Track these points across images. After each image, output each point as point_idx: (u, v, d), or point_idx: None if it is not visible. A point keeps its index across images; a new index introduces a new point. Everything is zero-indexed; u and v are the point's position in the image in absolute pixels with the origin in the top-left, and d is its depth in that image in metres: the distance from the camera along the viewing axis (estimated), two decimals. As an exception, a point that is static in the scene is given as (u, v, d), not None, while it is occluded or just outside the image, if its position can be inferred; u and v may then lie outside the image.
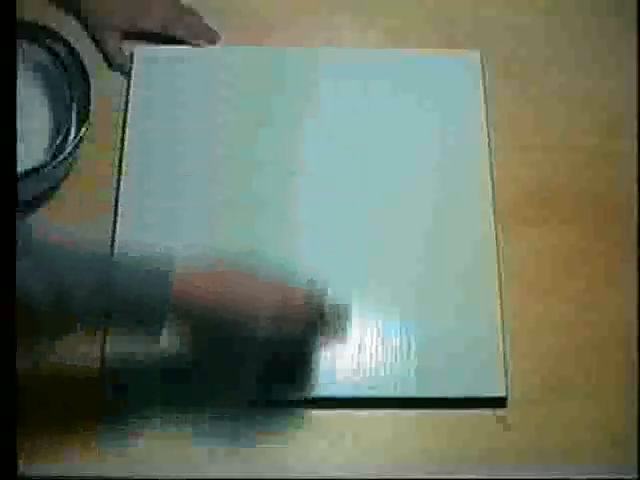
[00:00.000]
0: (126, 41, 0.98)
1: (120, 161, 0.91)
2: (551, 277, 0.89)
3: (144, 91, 0.95)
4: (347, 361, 0.84)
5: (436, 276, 0.88)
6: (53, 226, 0.71)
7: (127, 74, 0.96)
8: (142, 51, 0.97)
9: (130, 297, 0.68)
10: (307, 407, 0.83)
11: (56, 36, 0.92)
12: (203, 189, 0.91)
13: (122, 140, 0.92)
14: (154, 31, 0.98)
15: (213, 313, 0.71)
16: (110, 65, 0.97)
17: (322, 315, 0.75)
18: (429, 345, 0.85)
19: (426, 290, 0.87)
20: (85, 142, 0.89)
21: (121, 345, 0.80)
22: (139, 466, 0.80)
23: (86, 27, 0.98)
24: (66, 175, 0.91)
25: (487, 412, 0.83)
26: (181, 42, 0.98)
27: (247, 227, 0.89)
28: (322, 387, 0.83)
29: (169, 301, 0.69)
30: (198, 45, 0.98)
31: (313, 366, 0.82)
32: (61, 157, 0.86)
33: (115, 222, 0.88)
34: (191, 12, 0.99)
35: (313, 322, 0.75)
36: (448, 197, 0.91)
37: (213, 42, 0.99)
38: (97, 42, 0.97)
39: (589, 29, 1.02)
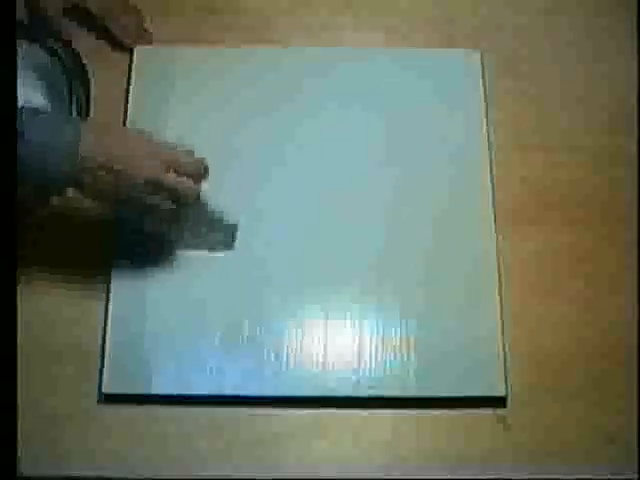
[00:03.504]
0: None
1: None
2: (551, 277, 0.89)
3: (144, 91, 0.95)
4: (347, 361, 0.84)
5: (436, 276, 0.88)
6: None
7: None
8: (142, 51, 0.98)
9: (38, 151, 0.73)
10: (307, 407, 0.83)
11: (56, 36, 0.93)
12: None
13: (122, 140, 0.93)
14: (92, 10, 0.97)
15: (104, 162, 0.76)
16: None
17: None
18: (429, 345, 0.85)
19: (426, 290, 0.87)
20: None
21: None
22: (139, 466, 0.81)
23: None
24: (66, 175, 0.91)
25: (487, 412, 0.83)
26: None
27: (251, 226, 0.90)
28: (322, 387, 0.83)
29: (76, 154, 0.75)
30: (129, 45, 0.98)
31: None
32: (61, 157, 0.86)
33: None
34: (135, 12, 0.99)
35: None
36: (448, 197, 0.91)
37: (149, 43, 0.99)
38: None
39: (590, 28, 1.02)
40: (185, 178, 0.80)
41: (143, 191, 0.78)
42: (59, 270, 0.87)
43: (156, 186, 0.78)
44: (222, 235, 0.87)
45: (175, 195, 0.79)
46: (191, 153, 0.81)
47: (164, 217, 0.81)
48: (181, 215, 0.82)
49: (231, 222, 0.87)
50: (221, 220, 0.87)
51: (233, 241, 0.88)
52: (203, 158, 0.82)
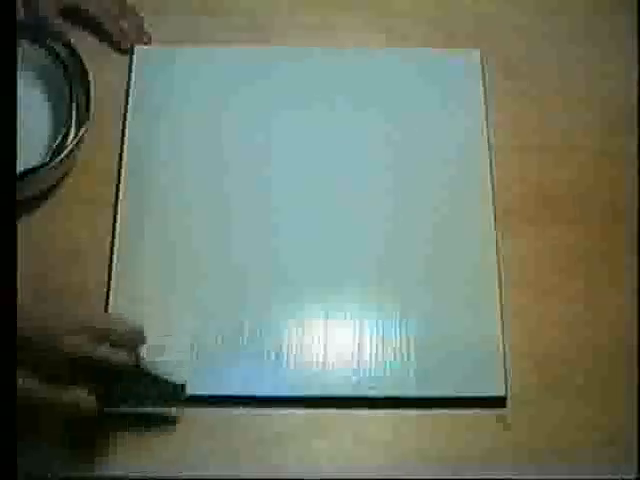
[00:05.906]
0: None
1: (120, 161, 0.92)
2: (551, 277, 0.89)
3: (144, 91, 0.95)
4: (347, 361, 0.84)
5: (436, 276, 0.88)
6: None
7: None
8: (142, 51, 0.98)
9: None
10: (307, 407, 0.83)
11: (56, 36, 0.93)
12: (202, 187, 0.91)
13: (122, 140, 0.93)
14: (90, 12, 0.97)
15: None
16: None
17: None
18: (429, 345, 0.85)
19: (426, 290, 0.87)
20: (85, 142, 0.89)
21: None
22: (140, 466, 0.81)
23: None
24: (66, 175, 0.91)
25: (487, 412, 0.83)
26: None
27: (254, 228, 0.90)
28: (322, 387, 0.83)
29: None
30: (127, 46, 0.98)
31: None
32: (61, 157, 0.86)
33: (114, 221, 0.89)
34: (133, 12, 0.99)
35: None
36: (448, 197, 0.91)
37: (149, 44, 0.99)
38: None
39: (590, 28, 1.02)
40: (119, 349, 0.75)
41: (72, 367, 0.73)
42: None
43: (86, 361, 0.74)
44: (169, 394, 0.80)
45: (109, 366, 0.75)
46: (124, 322, 0.77)
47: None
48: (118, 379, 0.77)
49: (179, 382, 0.79)
50: (166, 380, 0.79)
51: (182, 398, 0.80)
52: (139, 325, 0.77)
